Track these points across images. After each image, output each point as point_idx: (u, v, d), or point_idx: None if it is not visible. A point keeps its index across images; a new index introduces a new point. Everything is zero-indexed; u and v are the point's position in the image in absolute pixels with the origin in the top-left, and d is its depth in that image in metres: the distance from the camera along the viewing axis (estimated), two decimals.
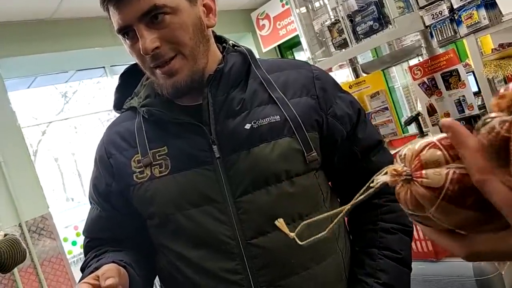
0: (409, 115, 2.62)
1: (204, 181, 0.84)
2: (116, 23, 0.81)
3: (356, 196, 0.38)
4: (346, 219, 0.99)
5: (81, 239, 4.46)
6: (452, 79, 2.02)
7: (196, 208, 0.84)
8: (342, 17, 2.13)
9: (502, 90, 0.28)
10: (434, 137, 0.35)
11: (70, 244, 4.32)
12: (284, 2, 5.21)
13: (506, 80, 2.34)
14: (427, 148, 0.34)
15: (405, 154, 0.36)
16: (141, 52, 0.79)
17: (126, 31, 0.81)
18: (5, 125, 3.59)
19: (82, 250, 3.48)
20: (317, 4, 2.46)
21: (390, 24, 1.98)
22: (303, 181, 0.86)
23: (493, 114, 0.28)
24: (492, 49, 2.26)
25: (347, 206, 0.39)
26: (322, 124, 0.89)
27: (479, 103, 2.29)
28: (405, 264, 0.90)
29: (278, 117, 0.85)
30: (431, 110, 2.11)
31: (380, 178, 0.37)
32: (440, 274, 1.46)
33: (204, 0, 0.87)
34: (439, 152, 0.33)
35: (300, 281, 0.84)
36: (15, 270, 3.35)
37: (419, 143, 0.35)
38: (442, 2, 1.85)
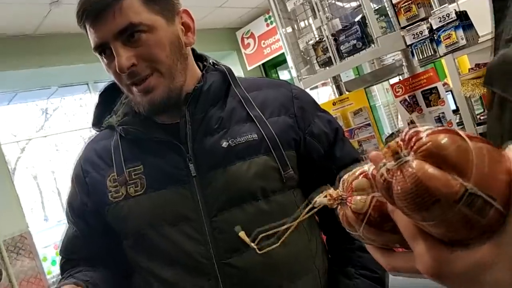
0: (390, 132, 2.69)
1: (179, 199, 0.84)
2: (92, 40, 0.81)
3: (302, 215, 0.41)
4: (324, 238, 0.99)
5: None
6: (432, 96, 2.09)
7: (171, 227, 0.84)
8: (326, 36, 2.19)
9: (392, 142, 0.33)
10: (371, 166, 0.38)
11: (49, 263, 4.20)
12: (268, 22, 5.32)
13: (482, 99, 2.44)
14: (360, 176, 0.38)
15: (345, 179, 0.40)
16: (117, 70, 0.80)
17: (103, 48, 0.82)
18: None
19: None
20: (302, 24, 2.52)
21: (373, 43, 2.05)
22: (280, 199, 0.86)
23: (384, 161, 0.32)
24: (469, 69, 2.36)
25: (295, 223, 0.42)
26: (300, 142, 0.90)
27: (458, 120, 2.38)
28: (381, 283, 0.90)
29: (256, 135, 0.86)
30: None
31: (321, 200, 0.40)
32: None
33: (182, 19, 0.87)
34: (367, 181, 0.37)
35: None
36: None
37: (358, 170, 0.39)
38: (423, 22, 1.93)
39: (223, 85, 0.91)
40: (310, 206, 0.41)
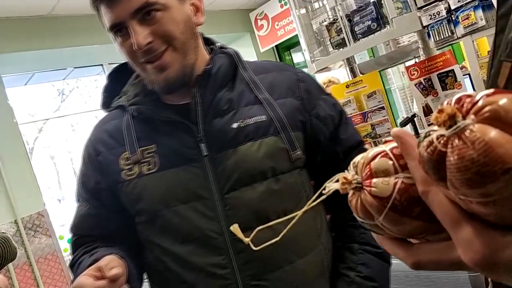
0: (405, 116, 2.64)
1: (192, 178, 0.86)
2: (108, 20, 0.83)
3: (308, 203, 0.38)
4: (328, 216, 1.01)
5: None
6: (448, 79, 2.04)
7: (184, 205, 0.86)
8: (340, 16, 2.14)
9: (444, 104, 0.29)
10: (387, 146, 0.34)
11: (66, 242, 4.31)
12: (282, 2, 5.23)
13: None
14: (378, 157, 0.34)
15: (357, 162, 0.36)
16: (134, 48, 0.81)
17: (119, 28, 0.83)
18: (2, 121, 3.59)
19: None
20: (316, 5, 2.47)
21: (388, 24, 1.99)
22: (288, 179, 0.88)
23: (434, 128, 0.28)
24: (488, 51, 2.29)
25: (299, 213, 0.39)
26: (306, 124, 0.92)
27: None
28: (385, 259, 0.92)
29: (264, 117, 0.88)
30: (427, 110, 2.13)
31: (332, 186, 0.37)
32: (434, 271, 1.47)
33: (191, 0, 0.89)
34: (388, 162, 0.33)
35: (284, 275, 0.86)
36: (11, 267, 3.34)
37: (372, 151, 0.35)
38: (440, 2, 1.87)
39: (231, 68, 0.93)
40: (318, 192, 0.37)
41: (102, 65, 4.91)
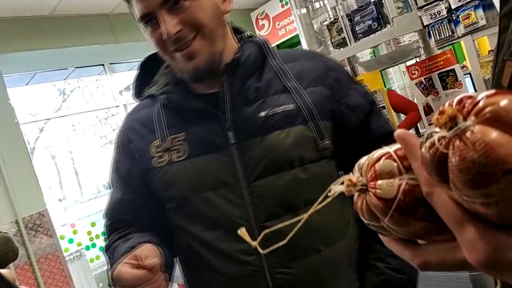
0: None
1: (220, 165, 0.87)
2: (138, 11, 0.85)
3: (314, 205, 0.38)
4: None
5: (77, 237, 4.45)
6: (449, 79, 2.04)
7: (212, 191, 0.87)
8: (341, 16, 2.14)
9: (445, 105, 0.29)
10: (391, 147, 0.34)
11: (66, 242, 4.31)
12: (283, 2, 5.23)
13: None
14: (382, 158, 0.34)
15: (362, 164, 0.36)
16: (164, 37, 0.82)
17: (149, 18, 0.85)
18: (4, 121, 3.59)
19: (78, 248, 3.47)
20: (317, 5, 2.47)
21: (389, 23, 1.99)
22: (316, 168, 0.88)
23: (436, 129, 0.28)
24: (489, 51, 2.29)
25: (306, 215, 0.39)
26: (335, 113, 0.90)
27: None
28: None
29: (292, 105, 0.87)
30: (428, 110, 2.13)
31: (337, 188, 0.37)
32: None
33: None
34: (393, 163, 0.33)
35: (311, 263, 0.86)
36: (11, 267, 3.34)
37: (376, 153, 0.35)
38: (441, 2, 1.87)
39: (260, 56, 0.93)
40: (324, 195, 0.37)
41: (103, 65, 4.92)
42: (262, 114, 0.87)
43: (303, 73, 0.92)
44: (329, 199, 0.37)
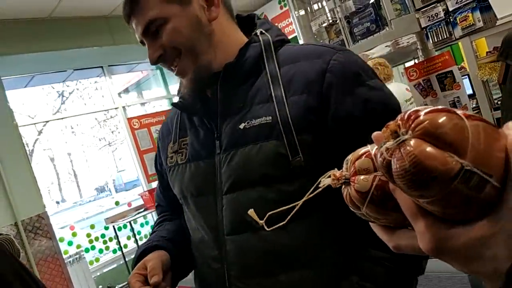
0: None
1: (205, 173, 0.89)
2: (138, 38, 0.90)
3: (307, 194, 0.43)
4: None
5: (76, 240, 4.45)
6: (447, 80, 2.05)
7: (195, 198, 0.91)
8: (339, 18, 2.15)
9: (396, 119, 0.33)
10: (373, 146, 0.39)
11: (66, 244, 4.31)
12: (282, 4, 5.24)
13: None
14: (363, 156, 0.39)
15: (349, 159, 0.41)
16: (150, 63, 0.87)
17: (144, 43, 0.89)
18: (2, 123, 3.59)
19: (77, 251, 3.48)
20: (315, 6, 2.48)
21: (387, 25, 2.00)
22: (287, 188, 0.80)
23: (384, 140, 0.33)
24: (487, 52, 2.30)
25: (300, 202, 0.44)
26: (320, 126, 0.80)
27: (474, 105, 2.33)
28: None
29: (270, 118, 0.81)
30: None
31: (325, 181, 0.42)
32: (433, 271, 1.48)
33: None
34: (370, 161, 0.38)
35: (265, 285, 0.83)
36: None
37: (360, 151, 0.40)
38: (438, 4, 1.88)
39: (258, 60, 0.87)
40: (314, 186, 0.42)
41: (102, 67, 4.92)
42: (241, 126, 0.84)
43: (294, 78, 0.83)
44: (318, 190, 0.42)
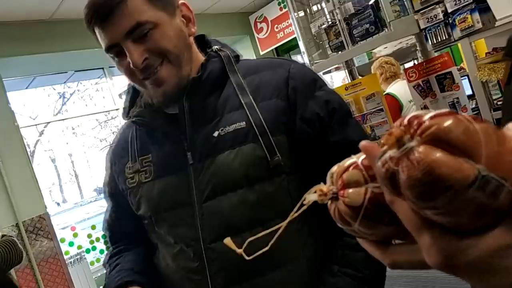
0: None
1: (178, 186, 0.89)
2: (103, 42, 0.85)
3: (291, 214, 0.39)
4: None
5: (77, 240, 4.46)
6: (446, 81, 2.06)
7: (170, 211, 0.90)
8: (339, 20, 2.16)
9: (393, 126, 0.31)
10: (359, 157, 0.36)
11: (67, 245, 4.32)
12: (282, 5, 5.25)
13: (500, 83, 2.38)
14: (350, 168, 0.36)
15: (333, 173, 0.38)
16: (132, 66, 0.83)
17: (114, 49, 0.85)
18: (4, 125, 3.60)
19: (78, 251, 3.50)
20: (314, 8, 2.49)
21: (386, 27, 2.01)
22: (267, 188, 0.85)
23: (384, 149, 0.31)
24: (486, 53, 2.30)
25: (284, 223, 0.40)
26: (291, 127, 0.87)
27: (473, 105, 2.33)
28: (367, 283, 0.85)
29: (244, 123, 0.85)
30: None
31: (310, 197, 0.38)
32: (429, 272, 1.48)
33: (182, 12, 0.90)
34: (359, 173, 0.35)
35: (254, 286, 0.86)
36: (12, 270, 3.35)
37: (346, 162, 0.37)
38: (437, 6, 1.89)
39: (221, 73, 0.91)
40: (299, 204, 0.39)
41: (103, 68, 4.94)
42: (216, 134, 0.87)
43: (260, 86, 0.89)
44: (304, 207, 0.39)
